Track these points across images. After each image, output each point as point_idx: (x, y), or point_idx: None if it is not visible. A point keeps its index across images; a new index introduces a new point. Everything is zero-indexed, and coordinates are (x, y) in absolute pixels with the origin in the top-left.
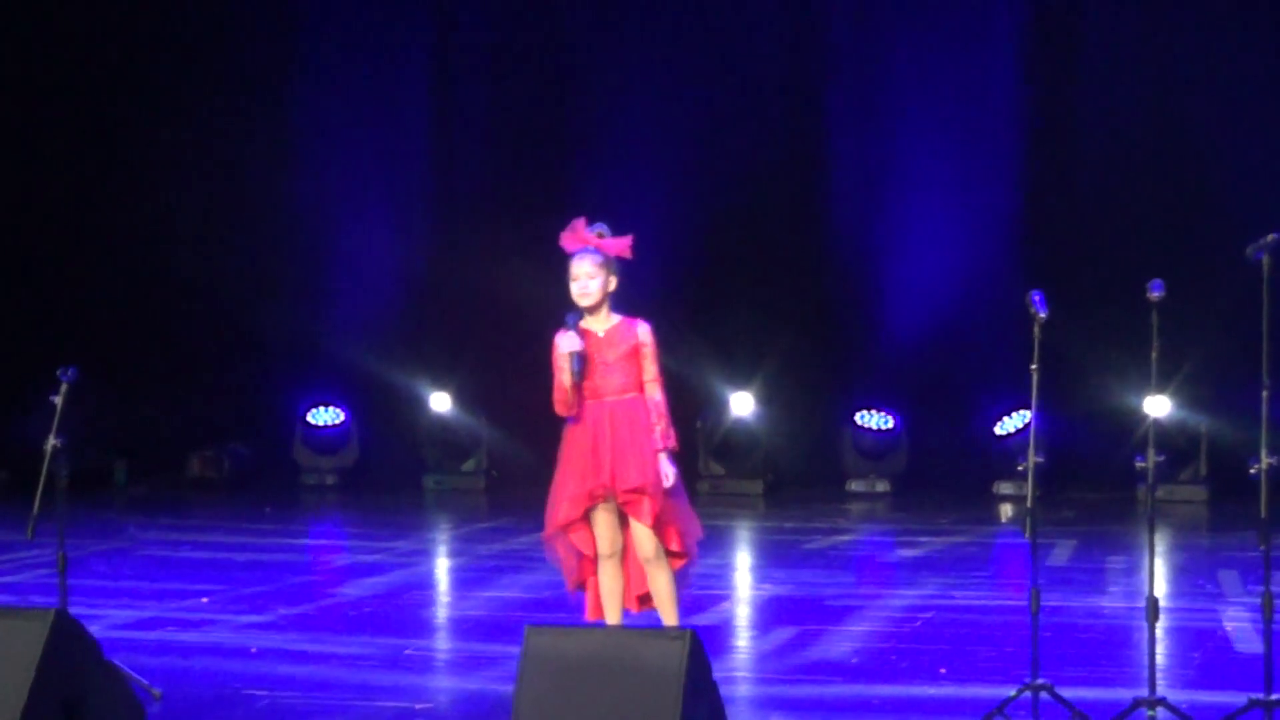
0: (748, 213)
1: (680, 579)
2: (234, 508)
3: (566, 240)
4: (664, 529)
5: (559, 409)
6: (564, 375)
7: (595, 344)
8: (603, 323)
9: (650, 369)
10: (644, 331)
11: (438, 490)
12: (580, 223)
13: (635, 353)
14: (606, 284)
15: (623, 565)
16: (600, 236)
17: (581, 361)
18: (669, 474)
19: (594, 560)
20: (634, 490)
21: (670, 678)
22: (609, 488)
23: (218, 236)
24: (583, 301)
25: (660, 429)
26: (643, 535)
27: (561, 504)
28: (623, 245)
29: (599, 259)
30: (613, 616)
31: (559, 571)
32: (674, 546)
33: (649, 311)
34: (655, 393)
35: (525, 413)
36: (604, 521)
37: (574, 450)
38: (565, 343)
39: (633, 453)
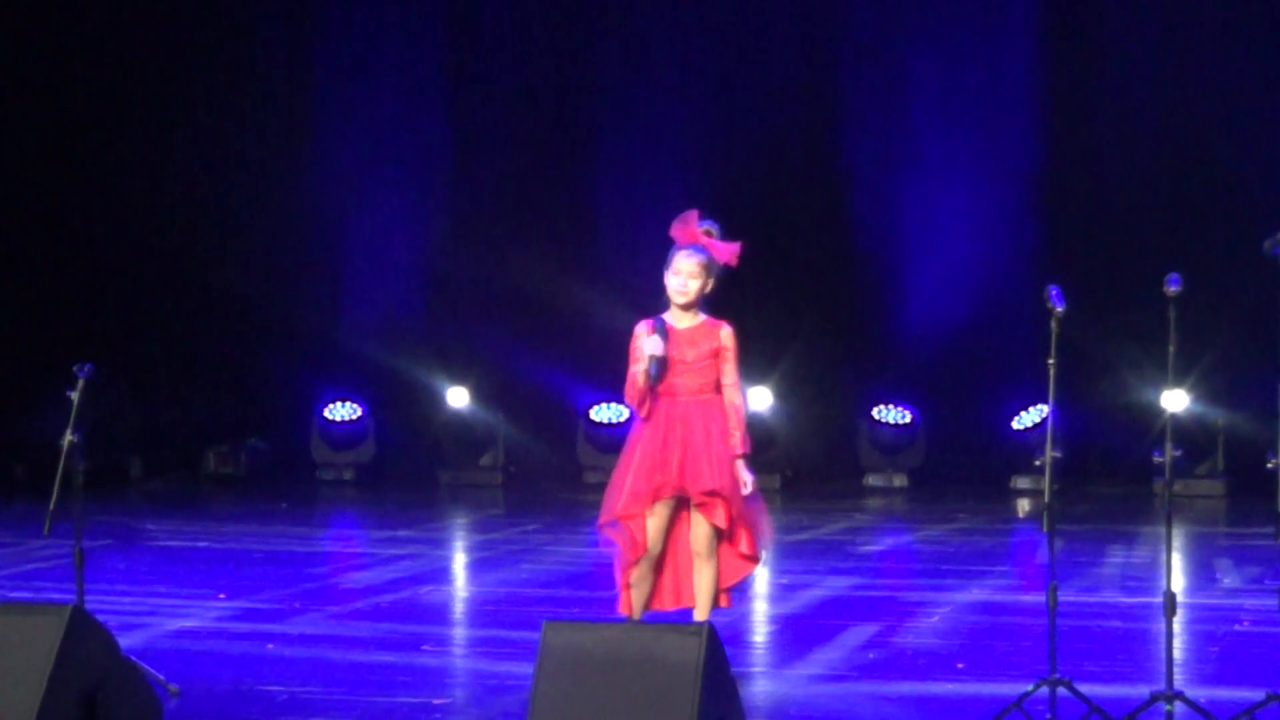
0: (765, 208)
1: (746, 583)
2: (251, 503)
3: (677, 231)
4: (737, 530)
5: (630, 403)
6: (640, 375)
7: (676, 341)
8: (689, 321)
9: (730, 373)
10: (726, 335)
11: (454, 485)
12: (693, 215)
13: (716, 355)
14: (704, 286)
15: (663, 565)
16: (709, 234)
17: (660, 367)
18: (747, 480)
19: (637, 554)
20: (709, 493)
21: (688, 672)
22: (677, 487)
23: (235, 232)
24: (678, 299)
25: (739, 435)
26: (701, 532)
27: (623, 496)
28: (731, 252)
29: (704, 259)
30: (636, 612)
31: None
32: (745, 549)
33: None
34: (735, 397)
35: (542, 408)
36: (656, 522)
37: (645, 445)
38: (650, 345)
39: (706, 454)
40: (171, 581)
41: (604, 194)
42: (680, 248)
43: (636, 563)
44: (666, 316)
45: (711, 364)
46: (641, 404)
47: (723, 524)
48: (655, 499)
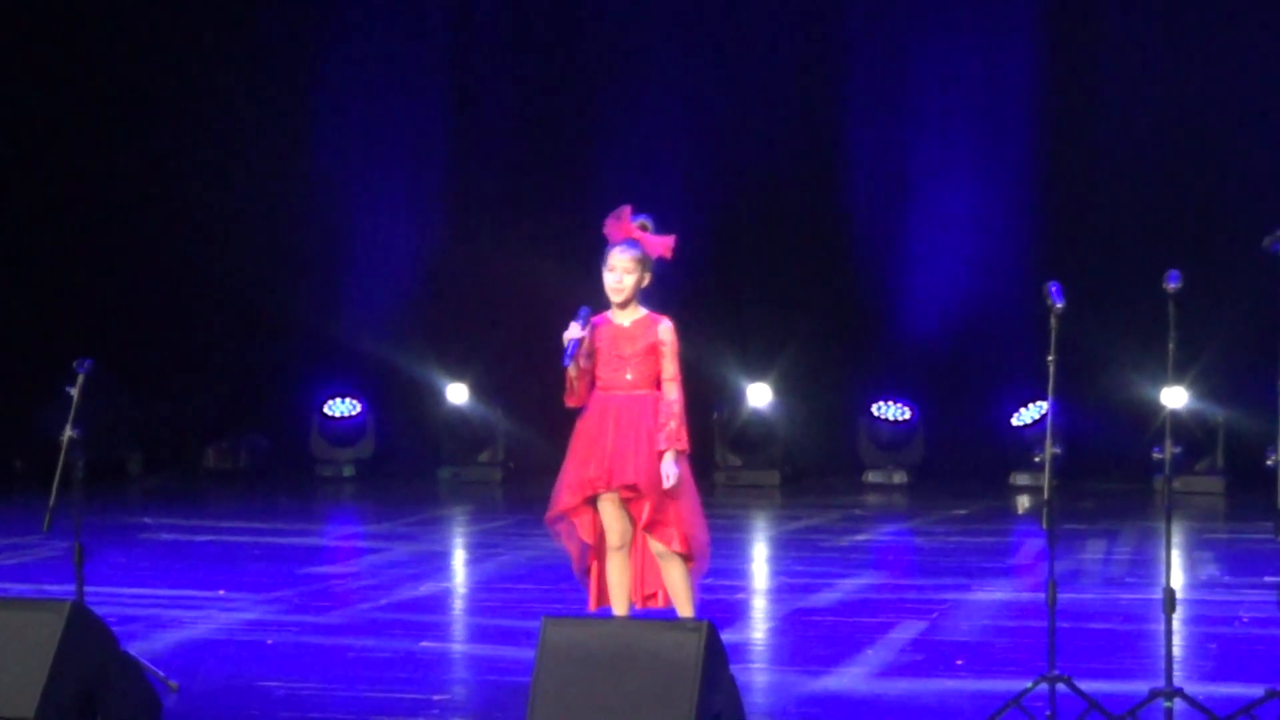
0: (765, 204)
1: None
2: (250, 499)
3: (610, 228)
4: (662, 529)
5: (565, 399)
6: (565, 360)
7: (614, 337)
8: (627, 316)
9: (668, 367)
10: (665, 329)
11: (454, 481)
12: (626, 211)
13: (653, 350)
14: (640, 281)
15: (630, 560)
16: (643, 229)
17: (576, 347)
18: (670, 475)
19: (596, 549)
20: (629, 487)
21: (687, 669)
22: (604, 482)
23: (235, 228)
24: (614, 296)
25: (670, 429)
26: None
27: (562, 491)
28: (665, 245)
29: (638, 254)
30: (619, 608)
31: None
32: (676, 548)
33: (666, 303)
34: (671, 391)
35: (541, 404)
36: (611, 513)
37: (580, 439)
38: (570, 330)
39: (632, 450)
40: (171, 577)
41: (603, 190)
42: (614, 244)
43: (591, 553)
44: (609, 313)
45: (649, 359)
46: (569, 392)
47: (642, 522)
48: (588, 491)
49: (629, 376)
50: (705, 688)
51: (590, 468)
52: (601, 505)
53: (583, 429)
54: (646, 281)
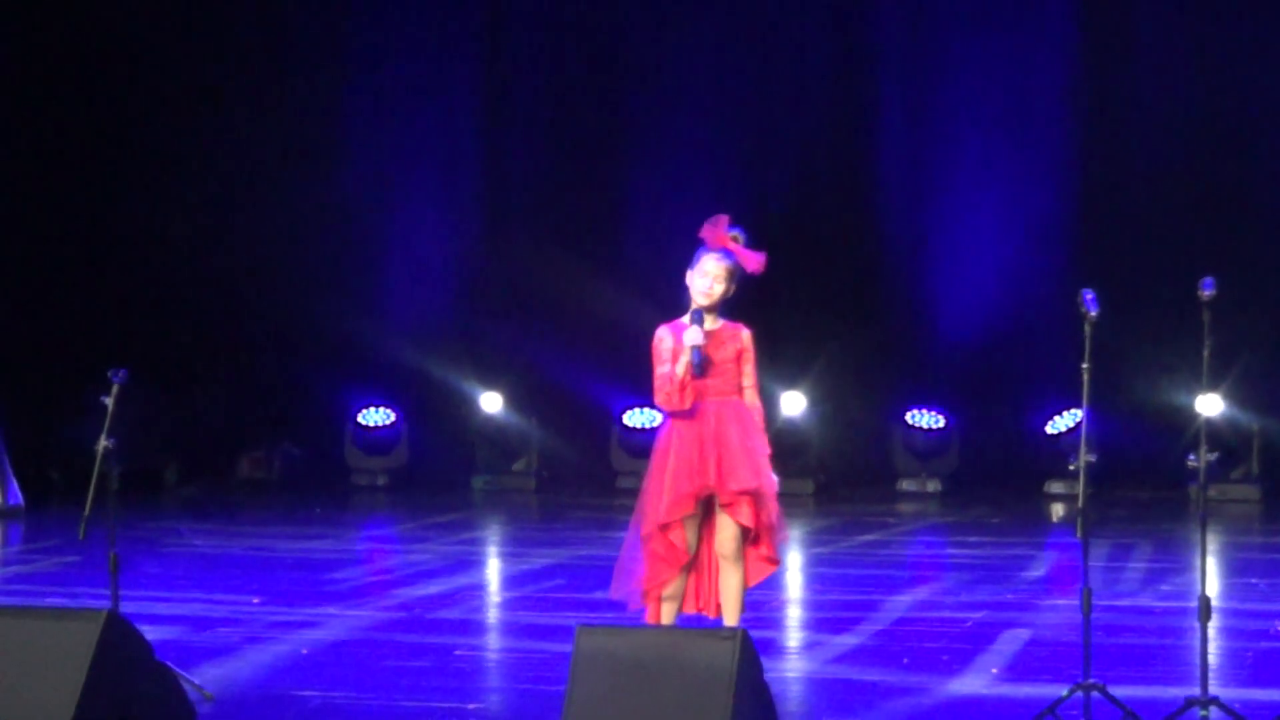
0: (798, 211)
1: (765, 584)
2: (284, 509)
3: (707, 234)
4: (762, 532)
5: (665, 403)
6: (680, 367)
7: (707, 341)
8: (710, 324)
9: (751, 374)
10: (748, 337)
11: (488, 490)
12: (724, 220)
13: (739, 356)
14: (727, 291)
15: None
16: (736, 241)
17: (701, 356)
18: (775, 480)
19: (681, 561)
20: (745, 492)
21: (721, 677)
22: (715, 487)
23: (268, 237)
24: (702, 300)
25: (765, 434)
26: (729, 534)
27: (666, 502)
28: (758, 261)
29: (732, 265)
30: (669, 618)
31: (626, 587)
32: (766, 552)
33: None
34: (755, 399)
35: (575, 413)
36: (693, 524)
37: (680, 448)
38: (691, 335)
39: (744, 454)
40: (205, 586)
41: (637, 198)
42: (709, 250)
43: (678, 572)
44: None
45: (734, 366)
46: (683, 396)
47: (750, 524)
48: (696, 501)
49: (717, 383)
50: (740, 696)
51: (698, 477)
52: (693, 514)
53: (681, 437)
54: (731, 293)
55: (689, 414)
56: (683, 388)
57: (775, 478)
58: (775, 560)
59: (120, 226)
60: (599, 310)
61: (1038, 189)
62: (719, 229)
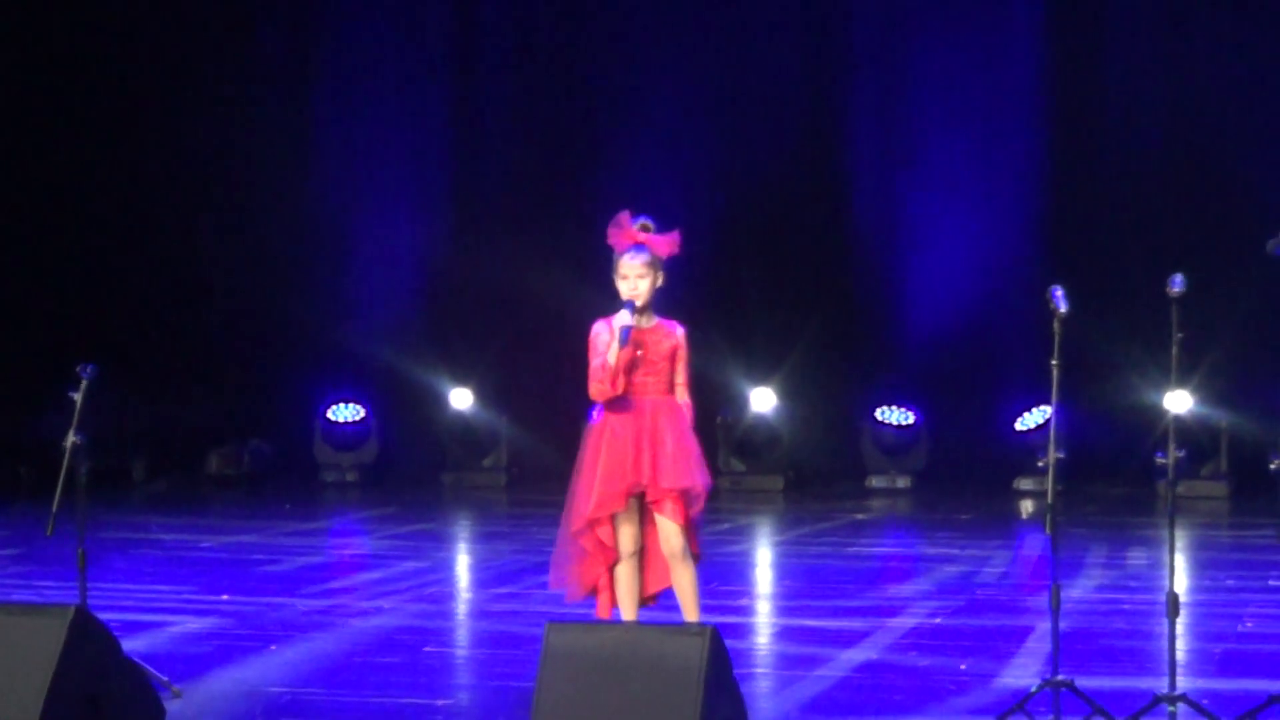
0: (769, 208)
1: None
2: (254, 504)
3: (614, 237)
4: (693, 533)
5: (599, 394)
6: (611, 352)
7: (640, 339)
8: (646, 321)
9: (683, 372)
10: (682, 334)
11: (457, 487)
12: (625, 216)
13: (672, 354)
14: (655, 283)
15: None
16: (645, 230)
17: (628, 333)
18: (709, 480)
19: (609, 559)
20: (674, 490)
21: (691, 674)
22: (652, 484)
23: (238, 233)
24: (636, 301)
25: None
26: (671, 531)
27: (595, 498)
28: (672, 242)
29: (648, 257)
30: (629, 614)
31: (563, 579)
32: (693, 548)
33: (669, 308)
34: (686, 396)
35: (546, 409)
36: (629, 519)
37: (615, 445)
38: (621, 318)
39: (679, 453)
40: (174, 582)
41: (606, 195)
42: (622, 252)
43: (612, 567)
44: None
45: (667, 364)
46: (615, 382)
47: (681, 521)
48: (628, 498)
49: (652, 380)
50: (710, 693)
51: (631, 474)
52: (626, 511)
53: (613, 433)
54: (660, 282)
55: (625, 409)
56: (615, 373)
57: (708, 478)
58: (698, 555)
59: (87, 222)
60: (568, 307)
61: (1007, 186)
62: (624, 228)
